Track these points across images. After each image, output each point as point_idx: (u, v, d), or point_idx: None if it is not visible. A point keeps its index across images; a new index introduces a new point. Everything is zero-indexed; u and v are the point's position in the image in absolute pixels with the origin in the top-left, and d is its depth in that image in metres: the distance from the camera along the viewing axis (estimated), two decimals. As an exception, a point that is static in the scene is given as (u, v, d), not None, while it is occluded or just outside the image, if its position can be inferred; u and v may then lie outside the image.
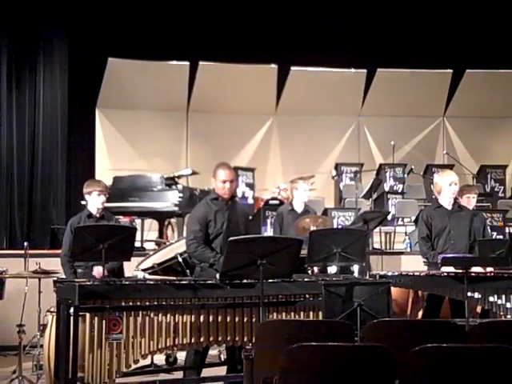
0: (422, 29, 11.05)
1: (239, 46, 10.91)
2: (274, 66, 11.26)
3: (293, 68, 11.28)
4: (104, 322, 4.33)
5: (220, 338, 4.62)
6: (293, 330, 3.59)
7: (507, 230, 8.84)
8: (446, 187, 5.96)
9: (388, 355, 2.98)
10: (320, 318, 4.78)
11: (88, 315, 4.33)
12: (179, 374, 5.43)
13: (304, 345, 2.94)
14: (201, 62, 11.00)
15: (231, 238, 4.47)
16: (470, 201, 6.84)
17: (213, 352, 6.10)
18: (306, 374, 2.95)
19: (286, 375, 2.95)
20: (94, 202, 5.78)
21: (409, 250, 8.58)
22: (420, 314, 6.62)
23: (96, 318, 4.33)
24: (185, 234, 6.02)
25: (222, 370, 5.43)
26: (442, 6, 10.92)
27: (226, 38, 10.84)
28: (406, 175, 10.60)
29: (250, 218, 8.95)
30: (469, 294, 5.26)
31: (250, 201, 10.34)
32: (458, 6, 10.88)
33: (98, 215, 5.79)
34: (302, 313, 4.85)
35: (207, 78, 11.08)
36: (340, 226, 8.68)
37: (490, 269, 5.57)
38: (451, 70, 11.42)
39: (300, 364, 2.94)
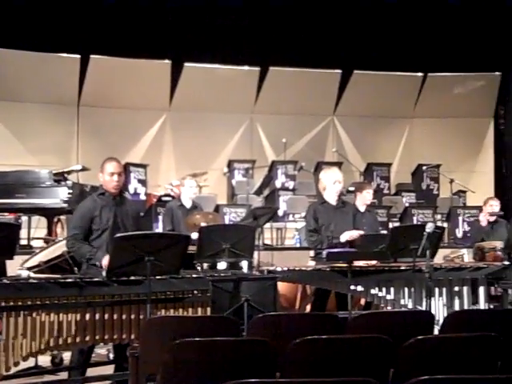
0: (312, 28, 11.26)
1: (132, 40, 10.74)
2: (167, 61, 11.19)
3: (186, 64, 11.25)
4: (-17, 323, 4.17)
5: (107, 337, 4.55)
6: (179, 327, 3.60)
7: (391, 225, 9.23)
8: (330, 185, 6.16)
9: (269, 348, 3.05)
10: (209, 313, 4.82)
11: (-35, 316, 4.15)
12: (65, 375, 5.30)
13: (186, 340, 2.95)
14: (92, 56, 10.76)
15: (117, 235, 4.41)
16: (370, 195, 7.15)
17: (101, 351, 6.00)
18: (189, 370, 2.96)
19: (168, 371, 2.96)
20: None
21: (298, 245, 8.78)
22: (308, 307, 6.79)
23: (-26, 320, 4.16)
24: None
25: (110, 369, 5.35)
26: (333, 6, 11.18)
27: (119, 31, 10.63)
28: (296, 172, 10.83)
29: (142, 214, 8.92)
30: (352, 287, 5.48)
31: (143, 197, 10.22)
32: (347, 7, 11.18)
33: (-27, 212, 5.53)
34: (190, 309, 4.85)
35: (99, 71, 10.86)
36: (232, 223, 8.75)
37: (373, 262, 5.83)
38: (340, 70, 11.76)
39: (183, 360, 2.96)
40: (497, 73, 12.01)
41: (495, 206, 7.87)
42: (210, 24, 10.98)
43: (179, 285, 4.78)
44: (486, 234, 7.63)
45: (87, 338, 4.49)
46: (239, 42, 11.25)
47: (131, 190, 10.06)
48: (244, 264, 6.16)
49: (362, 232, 6.12)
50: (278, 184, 10.75)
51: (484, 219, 7.78)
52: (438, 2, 11.02)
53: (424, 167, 11.24)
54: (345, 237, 6.00)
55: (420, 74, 11.98)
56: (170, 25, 10.87)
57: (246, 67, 11.63)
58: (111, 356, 5.95)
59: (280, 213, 9.90)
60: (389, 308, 5.61)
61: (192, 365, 2.96)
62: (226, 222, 8.93)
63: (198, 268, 5.99)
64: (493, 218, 7.77)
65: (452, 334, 3.44)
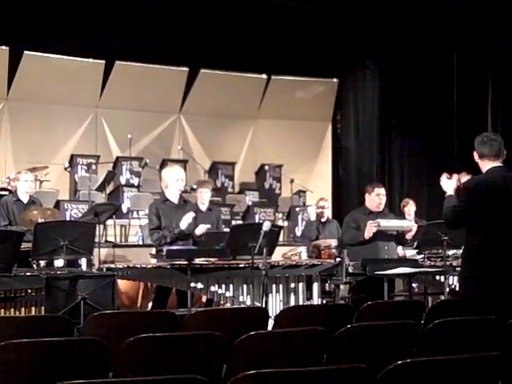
0: (162, 24, 11.16)
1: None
2: (5, 47, 10.60)
3: (26, 52, 10.72)
4: None
5: None
6: (7, 328, 3.44)
7: (233, 223, 9.41)
8: (173, 183, 6.19)
9: (101, 348, 3.00)
10: (43, 313, 4.66)
11: None
12: None
13: (12, 342, 2.83)
14: None
15: None
16: (202, 196, 7.19)
17: None
18: (15, 373, 2.84)
19: (-8, 375, 2.82)
20: None
21: (141, 242, 8.71)
22: (150, 305, 6.76)
23: None
24: None
25: None
26: (182, 4, 11.16)
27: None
28: (141, 169, 10.72)
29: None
30: (192, 284, 5.54)
31: (-24, 191, 9.64)
32: (196, 5, 11.20)
33: None
34: (23, 309, 4.68)
35: None
36: (73, 219, 8.51)
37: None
38: (187, 68, 11.78)
39: (8, 362, 2.83)
40: (334, 79, 12.61)
41: (326, 205, 8.30)
42: (53, 11, 10.54)
43: (11, 283, 4.59)
44: (318, 231, 8.01)
45: None
46: (84, 33, 10.90)
47: (-38, 184, 9.45)
48: (83, 261, 6.02)
49: (208, 226, 6.18)
50: (122, 180, 10.59)
51: (313, 212, 8.10)
52: (283, 7, 11.36)
53: (267, 167, 11.55)
54: (184, 223, 5.99)
55: (264, 76, 12.28)
56: (7, 8, 10.28)
57: (91, 60, 11.31)
58: None
59: (124, 209, 9.77)
60: (228, 305, 5.73)
61: (19, 367, 2.83)
62: (67, 218, 8.68)
63: (34, 266, 5.77)
64: (324, 218, 8.15)
65: (283, 329, 3.57)
